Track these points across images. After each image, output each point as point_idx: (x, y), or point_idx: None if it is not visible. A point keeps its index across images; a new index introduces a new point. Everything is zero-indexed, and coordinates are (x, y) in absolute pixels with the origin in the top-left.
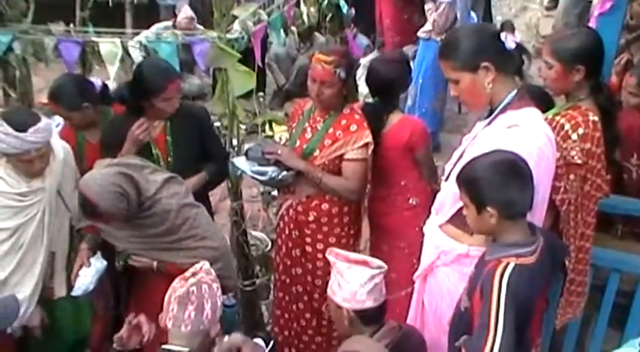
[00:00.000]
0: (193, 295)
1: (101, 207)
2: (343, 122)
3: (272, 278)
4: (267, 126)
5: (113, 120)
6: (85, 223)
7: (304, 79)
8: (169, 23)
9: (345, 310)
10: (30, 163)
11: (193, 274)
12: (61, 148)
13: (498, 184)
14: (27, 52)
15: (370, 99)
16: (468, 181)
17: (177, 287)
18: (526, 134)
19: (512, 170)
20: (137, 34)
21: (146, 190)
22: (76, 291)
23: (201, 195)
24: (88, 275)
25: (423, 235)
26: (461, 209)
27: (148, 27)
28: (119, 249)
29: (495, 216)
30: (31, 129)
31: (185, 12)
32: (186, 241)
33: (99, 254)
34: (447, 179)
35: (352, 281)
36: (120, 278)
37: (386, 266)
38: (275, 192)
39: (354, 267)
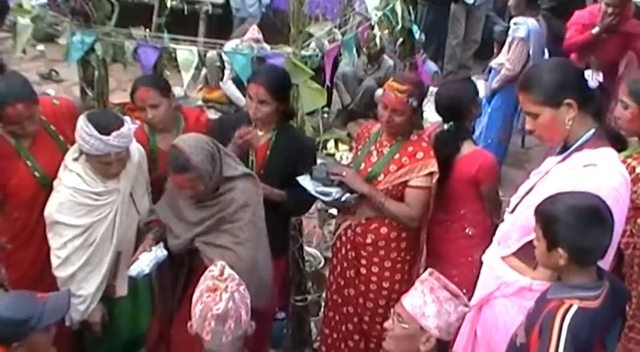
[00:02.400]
0: (232, 310)
1: (192, 161)
2: (410, 149)
3: (323, 295)
4: (328, 144)
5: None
6: (152, 217)
7: (369, 100)
8: (238, 41)
9: (427, 336)
10: (108, 165)
11: (225, 289)
12: (136, 152)
13: (577, 229)
14: (107, 53)
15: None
16: (546, 217)
17: (212, 304)
18: (604, 174)
19: (595, 218)
20: (209, 43)
21: (226, 170)
22: (131, 272)
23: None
24: (147, 259)
25: (475, 266)
26: (527, 243)
27: (220, 37)
28: (172, 245)
29: (565, 258)
30: (114, 133)
31: (252, 32)
32: (224, 235)
33: (161, 244)
34: (512, 211)
35: (452, 313)
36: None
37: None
38: (332, 210)
39: (454, 300)
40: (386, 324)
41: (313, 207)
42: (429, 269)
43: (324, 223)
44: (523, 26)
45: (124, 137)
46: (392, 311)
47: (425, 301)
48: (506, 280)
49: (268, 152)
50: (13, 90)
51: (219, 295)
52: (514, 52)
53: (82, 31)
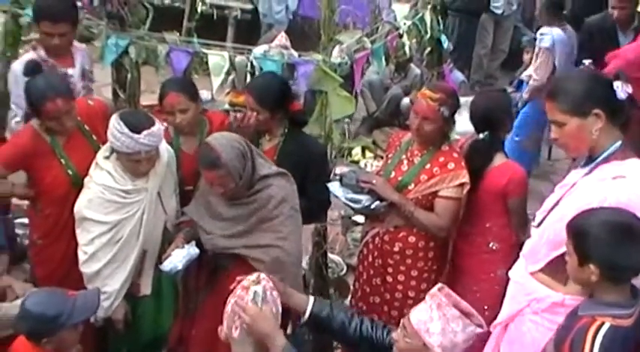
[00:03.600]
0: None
1: (223, 158)
2: (441, 159)
3: (345, 302)
4: (353, 152)
5: None
6: (184, 218)
7: (395, 108)
8: (267, 47)
9: None
10: (138, 163)
11: (257, 284)
12: (165, 152)
13: (609, 246)
14: (140, 56)
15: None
16: (578, 231)
17: (244, 297)
18: (634, 186)
19: (628, 235)
20: (237, 48)
21: (260, 168)
22: (164, 267)
23: None
24: (179, 256)
25: (497, 282)
26: (555, 258)
27: (248, 42)
28: (206, 241)
29: (597, 275)
30: (144, 132)
31: (280, 39)
32: (267, 234)
33: (193, 242)
34: (538, 226)
35: (458, 333)
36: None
37: (485, 326)
38: (356, 218)
39: (463, 320)
40: (393, 334)
41: (336, 214)
42: (439, 285)
43: (348, 230)
44: (548, 36)
45: (154, 136)
46: (401, 321)
47: (431, 317)
48: (538, 296)
49: (275, 158)
50: (52, 86)
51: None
52: (540, 62)
53: (116, 35)
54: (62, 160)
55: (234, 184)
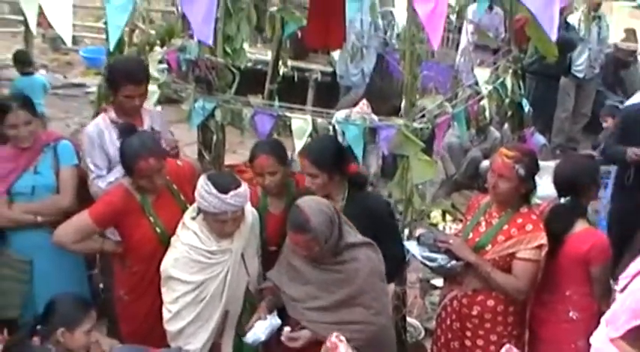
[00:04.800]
0: None
1: (312, 222)
2: (519, 220)
3: None
4: (432, 214)
5: None
6: (267, 284)
7: (474, 171)
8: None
9: None
10: (224, 224)
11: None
12: (250, 213)
13: None
14: (226, 119)
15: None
16: None
17: None
18: None
19: None
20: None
21: (346, 236)
22: (248, 339)
23: None
24: (262, 327)
25: None
26: (636, 327)
27: (328, 103)
28: (292, 309)
29: None
30: (231, 193)
31: (362, 107)
32: (359, 309)
33: (275, 312)
34: (621, 291)
35: None
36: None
37: None
38: (434, 281)
39: None
40: None
41: (415, 276)
42: (507, 346)
43: (426, 294)
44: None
45: (240, 197)
46: None
47: None
48: None
49: None
50: (145, 145)
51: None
52: None
53: (204, 98)
54: (151, 218)
55: (319, 248)
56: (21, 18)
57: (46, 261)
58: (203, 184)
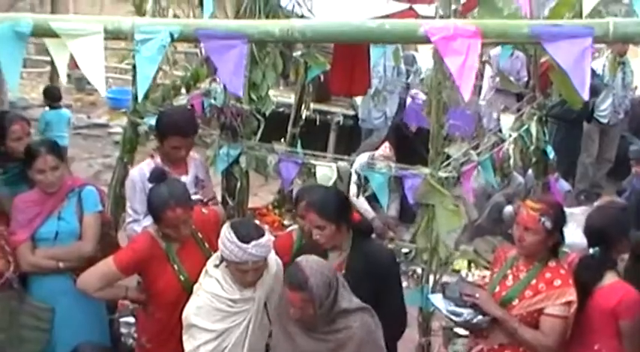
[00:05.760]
0: None
1: (310, 282)
2: (548, 275)
3: None
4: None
5: None
6: None
7: (497, 215)
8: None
9: None
10: (245, 273)
11: None
12: (274, 263)
13: None
14: (250, 166)
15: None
16: None
17: None
18: None
19: None
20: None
21: (341, 301)
22: None
23: None
24: None
25: None
26: None
27: (349, 146)
28: None
29: None
30: (253, 242)
31: (385, 150)
32: None
33: None
34: None
35: None
36: None
37: None
38: (457, 330)
39: None
40: None
41: (437, 324)
42: None
43: (450, 342)
44: None
45: (262, 247)
46: None
47: None
48: None
49: (343, 273)
50: (174, 194)
51: None
52: None
53: (228, 145)
54: (175, 266)
55: (313, 310)
56: (47, 58)
57: (67, 306)
58: (226, 232)
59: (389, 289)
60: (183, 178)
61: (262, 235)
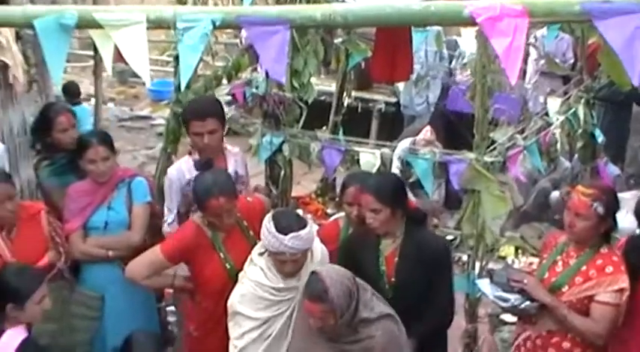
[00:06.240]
0: None
1: (331, 293)
2: (599, 262)
3: None
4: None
5: None
6: None
7: (543, 201)
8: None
9: None
10: (283, 264)
11: None
12: (319, 251)
13: None
14: (294, 154)
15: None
16: None
17: None
18: None
19: None
20: (380, 144)
21: (362, 310)
22: None
23: None
24: None
25: None
26: None
27: (392, 133)
28: None
29: None
30: (291, 235)
31: (426, 134)
32: None
33: None
34: None
35: None
36: None
37: None
38: (503, 316)
39: None
40: None
41: (483, 311)
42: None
43: (496, 329)
44: None
45: (299, 240)
46: None
47: None
48: None
49: (397, 260)
50: (218, 184)
51: None
52: None
53: (271, 133)
54: (221, 254)
55: (334, 321)
56: (90, 53)
57: (116, 294)
58: (266, 222)
59: (441, 278)
60: None
61: (303, 227)
